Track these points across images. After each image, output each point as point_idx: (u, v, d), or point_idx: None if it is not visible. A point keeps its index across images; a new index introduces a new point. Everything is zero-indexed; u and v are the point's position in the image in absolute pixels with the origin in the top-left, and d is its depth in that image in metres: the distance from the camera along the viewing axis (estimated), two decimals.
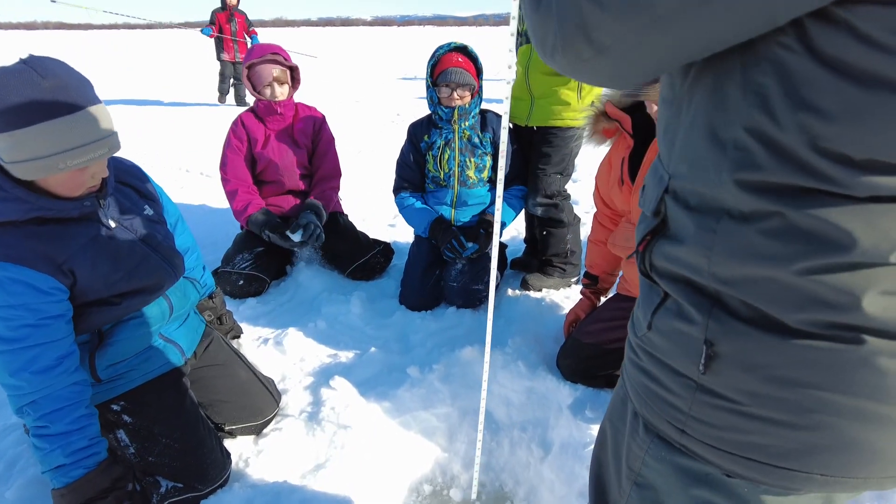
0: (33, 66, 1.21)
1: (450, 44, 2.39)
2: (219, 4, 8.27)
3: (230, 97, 8.86)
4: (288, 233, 2.55)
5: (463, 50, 2.40)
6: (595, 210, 2.24)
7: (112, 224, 1.46)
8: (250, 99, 8.00)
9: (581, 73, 0.62)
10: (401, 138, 2.81)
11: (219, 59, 8.42)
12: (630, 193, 1.92)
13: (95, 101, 1.28)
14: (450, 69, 2.35)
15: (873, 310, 0.55)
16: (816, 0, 0.48)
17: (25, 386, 1.29)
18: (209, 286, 1.97)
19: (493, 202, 2.62)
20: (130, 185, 1.61)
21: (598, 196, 2.16)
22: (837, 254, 0.54)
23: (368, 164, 5.10)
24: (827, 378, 0.58)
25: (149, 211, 1.61)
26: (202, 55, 16.23)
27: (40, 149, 1.19)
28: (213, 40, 8.35)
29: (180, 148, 5.80)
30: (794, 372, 0.59)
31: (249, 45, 7.99)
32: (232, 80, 8.64)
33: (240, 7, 8.37)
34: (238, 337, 2.21)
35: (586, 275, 2.28)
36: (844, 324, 0.56)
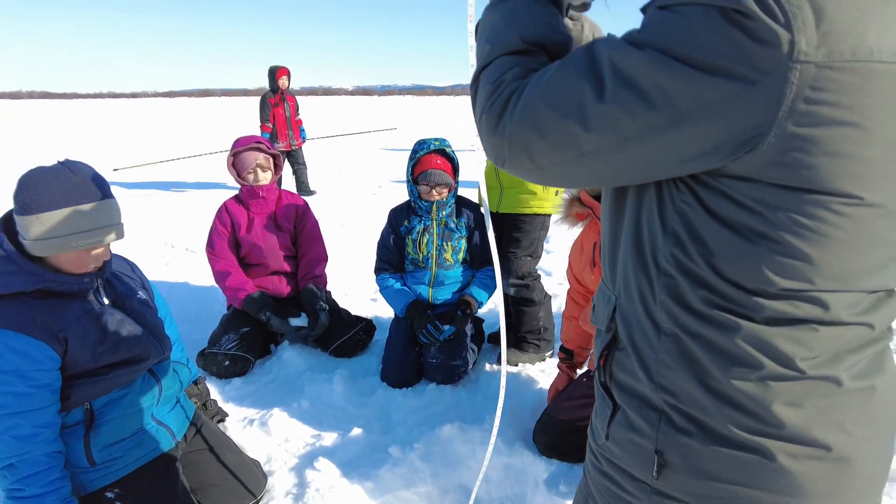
0: (67, 165, 1.47)
1: (429, 144, 2.61)
2: (268, 88, 7.30)
3: (290, 185, 7.71)
4: (290, 319, 2.70)
5: (441, 152, 2.62)
6: (568, 286, 2.40)
7: (105, 301, 1.63)
8: (316, 186, 7.81)
9: (525, 178, 0.78)
10: (382, 211, 2.99)
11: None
12: (600, 276, 2.09)
13: (110, 195, 1.52)
14: (430, 171, 2.57)
15: (783, 418, 0.69)
16: (681, 166, 0.66)
17: (4, 450, 1.39)
18: (193, 373, 2.07)
19: (468, 283, 2.79)
20: (127, 274, 1.78)
21: (571, 274, 2.32)
22: (751, 370, 0.69)
23: (350, 237, 5.27)
24: (754, 479, 0.71)
25: (141, 295, 1.77)
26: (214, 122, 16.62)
27: (59, 229, 1.41)
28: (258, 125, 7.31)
29: (168, 223, 5.92)
30: (729, 475, 0.72)
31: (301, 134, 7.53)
32: (293, 169, 7.67)
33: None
34: (223, 420, 2.27)
35: (562, 349, 2.40)
36: (762, 431, 0.70)
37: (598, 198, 2.04)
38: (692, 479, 0.75)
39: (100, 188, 1.49)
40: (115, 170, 6.26)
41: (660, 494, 0.78)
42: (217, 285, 2.95)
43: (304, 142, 7.56)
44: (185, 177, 9.20)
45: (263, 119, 7.18)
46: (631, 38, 0.65)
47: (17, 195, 1.43)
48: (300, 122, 7.53)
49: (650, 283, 0.76)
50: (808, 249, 0.64)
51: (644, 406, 0.79)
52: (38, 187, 1.41)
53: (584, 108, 0.65)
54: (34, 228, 1.41)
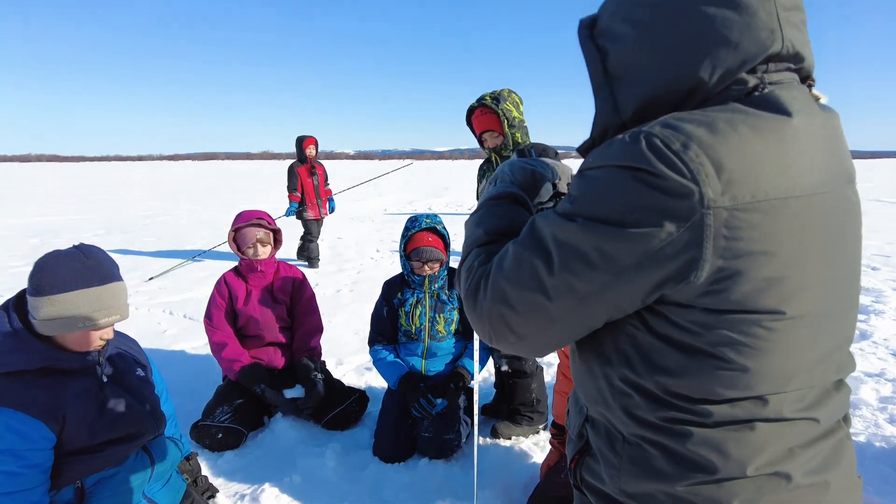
0: (81, 249, 1.58)
1: (421, 222, 2.72)
2: (296, 155, 7.15)
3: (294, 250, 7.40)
4: (285, 391, 2.73)
5: (433, 230, 2.73)
6: (558, 361, 2.43)
7: (105, 378, 1.68)
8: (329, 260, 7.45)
9: (512, 351, 0.87)
10: (377, 278, 3.06)
11: (302, 217, 7.14)
12: None
13: (118, 279, 1.61)
14: (422, 248, 2.68)
15: None
16: (637, 304, 0.75)
17: None
18: (186, 448, 2.09)
19: (461, 354, 2.83)
20: (129, 352, 1.84)
21: (561, 350, 2.37)
22: (706, 473, 0.75)
23: (346, 304, 5.32)
24: None
25: (140, 373, 1.82)
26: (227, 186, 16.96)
27: (67, 310, 1.50)
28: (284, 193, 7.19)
29: (167, 289, 5.98)
30: None
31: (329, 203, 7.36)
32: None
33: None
34: (213, 496, 2.26)
35: (554, 424, 2.42)
36: None
37: None
38: None
39: (109, 271, 1.58)
40: (150, 279, 6.41)
41: None
42: (213, 356, 2.99)
43: (332, 212, 7.45)
44: (191, 245, 9.37)
45: (291, 188, 7.05)
46: (564, 211, 0.76)
47: (33, 277, 1.53)
48: (329, 191, 7.38)
49: (610, 398, 0.83)
50: (745, 361, 0.72)
51: None
52: (53, 270, 1.51)
53: (541, 281, 0.75)
54: (44, 309, 1.49)
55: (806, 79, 0.81)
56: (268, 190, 21.71)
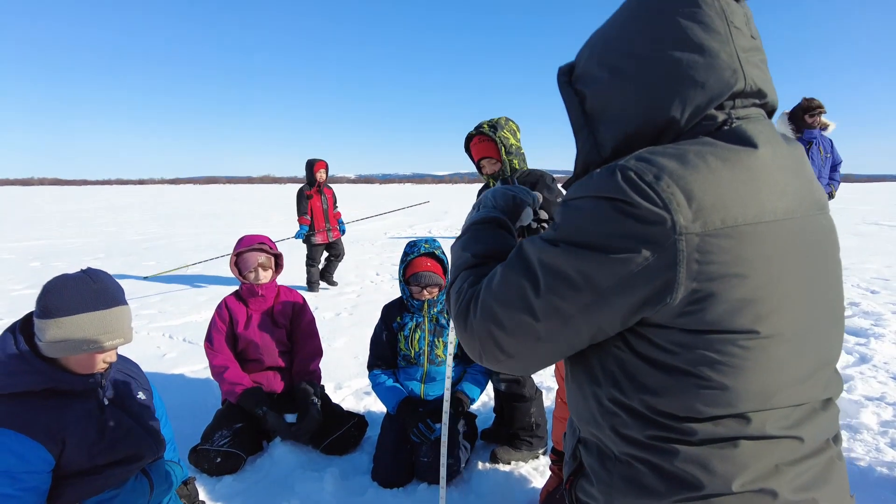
0: (89, 274, 1.61)
1: (420, 248, 2.76)
2: (305, 180, 7.15)
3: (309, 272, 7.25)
4: (286, 416, 2.77)
5: (432, 255, 2.77)
6: (557, 386, 2.44)
7: (106, 401, 1.70)
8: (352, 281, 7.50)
9: (501, 369, 0.90)
10: (377, 301, 3.07)
11: (308, 241, 7.08)
12: None
13: (123, 303, 1.64)
14: (421, 273, 2.71)
15: None
16: (618, 326, 0.79)
17: None
18: (185, 473, 2.09)
19: (460, 378, 2.83)
20: (130, 375, 1.86)
21: (559, 374, 2.38)
22: (693, 490, 0.78)
23: (346, 328, 5.32)
24: None
25: (141, 396, 1.83)
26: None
27: (73, 333, 1.52)
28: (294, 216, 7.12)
29: (168, 313, 5.99)
30: None
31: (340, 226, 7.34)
32: (328, 259, 7.41)
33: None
34: None
35: (553, 450, 2.41)
36: None
37: None
38: None
39: (114, 295, 1.61)
40: (145, 278, 6.45)
41: None
42: (214, 379, 2.99)
43: (342, 234, 7.40)
44: (194, 269, 9.40)
45: (301, 212, 7.04)
46: (549, 238, 0.81)
47: (40, 300, 1.55)
48: (339, 214, 7.36)
49: (600, 417, 0.87)
50: (724, 379, 0.76)
51: None
52: (60, 293, 1.54)
53: (528, 302, 0.80)
54: (50, 332, 1.52)
55: (771, 113, 0.88)
56: (269, 214, 21.83)
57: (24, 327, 1.59)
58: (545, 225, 1.24)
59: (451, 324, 0.90)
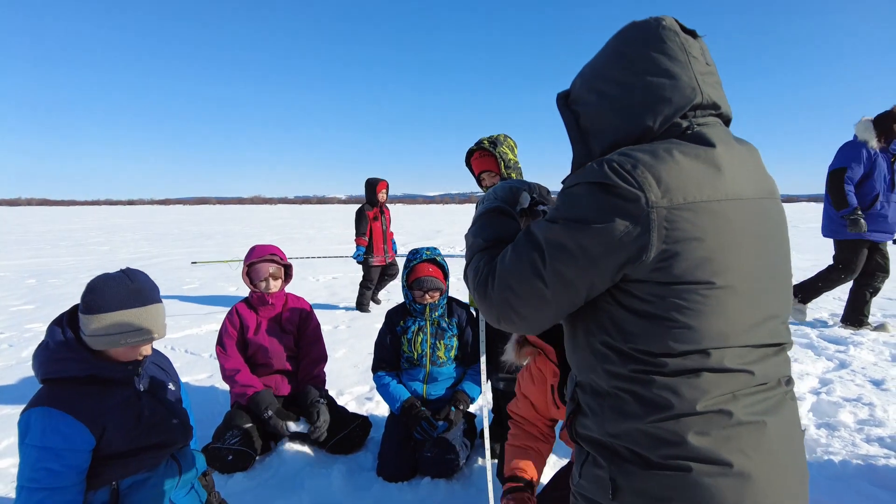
0: (127, 273, 1.75)
1: (422, 254, 2.96)
2: (365, 199, 6.99)
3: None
4: (289, 424, 2.91)
5: (433, 261, 2.97)
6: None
7: (142, 388, 1.84)
8: (314, 286, 7.60)
9: (514, 330, 1.12)
10: (374, 314, 3.22)
11: (366, 263, 6.86)
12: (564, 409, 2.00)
13: (158, 301, 1.78)
14: (423, 278, 2.90)
15: (695, 444, 0.96)
16: (607, 283, 1.00)
17: None
18: (204, 465, 2.21)
19: (461, 379, 2.99)
20: (163, 367, 2.02)
21: (528, 404, 2.22)
22: (666, 411, 0.98)
23: (344, 340, 5.45)
24: (681, 494, 0.97)
25: (172, 388, 1.98)
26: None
27: (113, 328, 1.67)
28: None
29: (167, 327, 6.07)
30: (662, 492, 0.99)
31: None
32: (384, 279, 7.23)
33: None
34: None
35: (509, 478, 2.11)
36: (680, 455, 0.97)
37: (543, 337, 2.09)
38: (636, 497, 1.01)
39: (150, 294, 1.76)
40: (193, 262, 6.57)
41: None
42: (225, 382, 3.12)
43: (395, 254, 7.26)
44: (192, 284, 9.48)
45: (360, 233, 6.81)
46: (550, 218, 1.04)
47: (84, 297, 1.70)
48: (392, 234, 7.22)
49: (594, 360, 1.08)
50: (689, 321, 0.97)
51: (600, 448, 1.07)
52: (101, 292, 1.69)
53: (538, 271, 1.03)
54: (93, 326, 1.67)
55: (727, 122, 1.13)
56: (261, 234, 21.92)
57: (70, 320, 1.73)
58: (545, 210, 1.44)
59: (479, 314, 1.10)
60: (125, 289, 1.71)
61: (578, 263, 0.99)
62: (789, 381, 1.08)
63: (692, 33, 1.11)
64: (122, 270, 1.78)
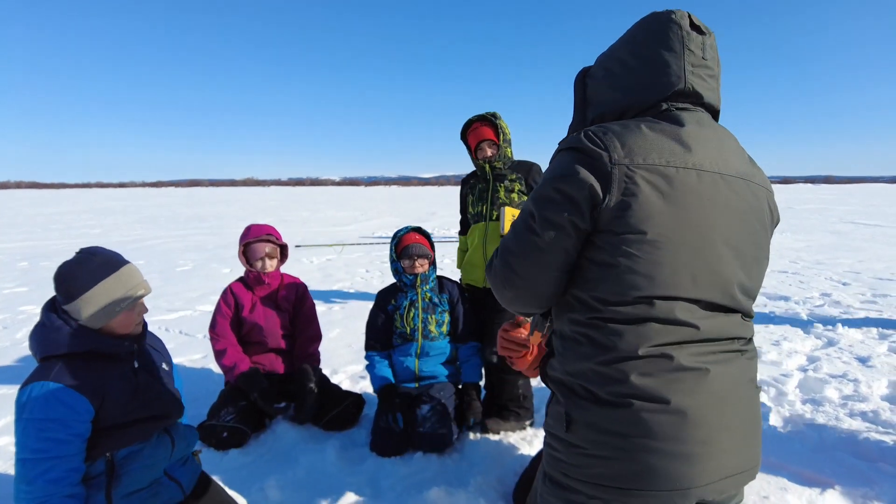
0: (86, 252, 1.76)
1: (407, 227, 3.06)
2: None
3: None
4: (276, 406, 2.97)
5: (418, 230, 3.06)
6: None
7: (137, 365, 1.87)
8: (306, 268, 7.51)
9: (517, 296, 1.26)
10: (367, 296, 3.25)
11: None
12: None
13: (126, 262, 1.81)
14: (410, 245, 2.97)
15: (637, 383, 1.08)
16: (587, 224, 1.13)
17: (37, 491, 1.57)
18: (196, 440, 2.25)
19: (454, 356, 3.04)
20: (156, 347, 2.06)
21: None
22: (612, 353, 1.10)
23: (339, 320, 5.48)
24: (623, 427, 1.09)
25: (164, 367, 2.00)
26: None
27: (102, 301, 1.70)
28: None
29: (160, 308, 6.09)
30: (608, 425, 1.11)
31: None
32: None
33: None
34: None
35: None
36: (624, 393, 1.09)
37: None
38: (587, 429, 1.13)
39: (117, 259, 1.79)
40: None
41: (570, 445, 1.17)
42: (217, 363, 3.15)
43: None
44: (186, 264, 9.47)
45: None
46: (538, 182, 1.16)
47: (59, 287, 1.71)
48: None
49: (564, 309, 1.22)
50: (635, 267, 1.09)
51: (561, 386, 1.21)
52: (74, 276, 1.70)
53: (530, 224, 1.18)
54: (84, 309, 1.69)
55: (714, 113, 1.28)
56: (254, 216, 21.84)
57: (53, 306, 1.74)
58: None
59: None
60: (93, 264, 1.73)
61: (560, 206, 1.14)
62: (747, 343, 1.19)
63: (700, 29, 1.22)
64: (79, 252, 1.78)
